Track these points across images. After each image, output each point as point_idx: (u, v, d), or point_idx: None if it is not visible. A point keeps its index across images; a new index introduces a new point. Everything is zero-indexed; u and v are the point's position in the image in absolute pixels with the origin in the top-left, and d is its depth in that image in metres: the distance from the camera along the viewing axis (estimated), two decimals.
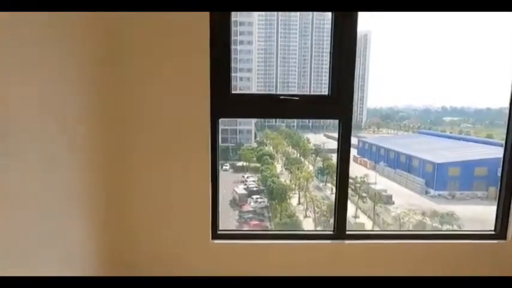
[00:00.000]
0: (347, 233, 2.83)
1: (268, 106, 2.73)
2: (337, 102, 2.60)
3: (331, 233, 2.87)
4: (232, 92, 2.70)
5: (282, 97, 2.67)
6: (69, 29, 2.14)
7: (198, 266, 2.62)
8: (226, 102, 2.64)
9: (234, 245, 2.81)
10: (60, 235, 2.14)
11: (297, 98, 2.67)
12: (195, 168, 2.65)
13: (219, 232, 2.84)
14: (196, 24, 2.43)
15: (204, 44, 2.48)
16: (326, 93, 2.75)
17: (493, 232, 2.91)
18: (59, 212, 2.13)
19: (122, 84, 2.55)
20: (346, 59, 2.54)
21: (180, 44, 2.49)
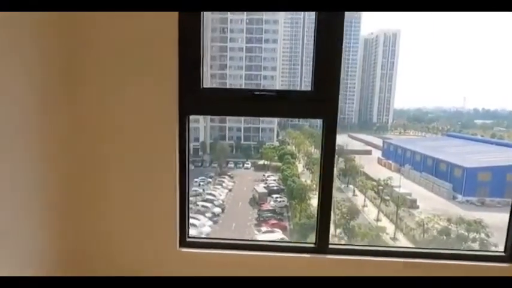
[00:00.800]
0: (330, 246, 2.49)
1: (242, 103, 2.45)
2: (320, 100, 2.33)
3: (313, 245, 2.54)
4: (204, 86, 2.46)
5: (256, 93, 2.43)
6: (27, 25, 1.98)
7: (163, 275, 2.38)
8: (196, 97, 2.40)
9: (203, 254, 2.54)
10: (15, 244, 2.01)
11: (272, 94, 2.44)
12: (161, 171, 2.42)
13: (188, 240, 2.58)
14: (163, 18, 2.26)
15: (172, 38, 2.29)
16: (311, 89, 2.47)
17: (503, 254, 2.49)
18: (16, 218, 2.01)
19: (83, 83, 2.35)
20: (331, 53, 2.27)
21: (146, 39, 2.30)
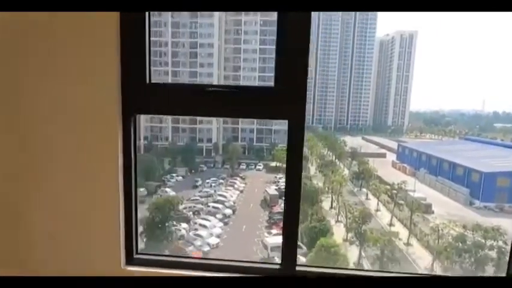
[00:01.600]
0: (298, 269, 2.19)
1: (193, 100, 2.24)
2: (284, 98, 2.12)
3: (278, 267, 2.26)
4: (152, 81, 2.22)
5: (210, 89, 2.16)
6: None
7: None
8: (142, 95, 2.19)
9: (152, 274, 2.35)
10: None
11: (226, 90, 2.19)
12: (101, 178, 2.20)
13: (135, 257, 2.38)
14: (103, 12, 2.04)
15: (113, 31, 2.11)
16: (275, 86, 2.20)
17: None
18: None
19: (16, 82, 2.13)
20: (296, 46, 2.04)
21: (84, 34, 2.11)
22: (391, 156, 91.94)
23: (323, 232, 28.60)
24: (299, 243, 34.98)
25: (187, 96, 2.24)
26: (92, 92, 2.13)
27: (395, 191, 53.02)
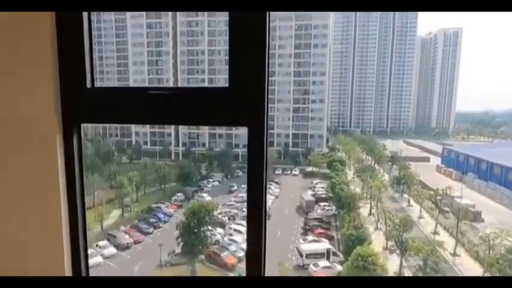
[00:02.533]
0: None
1: (137, 106, 1.88)
2: (243, 103, 1.76)
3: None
4: (94, 86, 1.90)
5: (154, 92, 1.84)
6: None
7: None
8: (84, 101, 1.88)
9: None
10: None
11: (172, 93, 1.86)
12: (41, 198, 1.90)
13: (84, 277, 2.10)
14: (37, 15, 1.78)
15: (48, 35, 1.80)
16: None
17: None
18: None
19: None
20: (251, 46, 1.71)
21: (16, 37, 1.81)
22: (436, 160, 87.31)
23: (360, 240, 27.36)
24: (335, 250, 33.92)
25: (131, 101, 1.86)
26: (27, 102, 1.83)
27: (439, 197, 50.19)
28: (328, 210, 44.61)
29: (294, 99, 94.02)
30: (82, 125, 1.92)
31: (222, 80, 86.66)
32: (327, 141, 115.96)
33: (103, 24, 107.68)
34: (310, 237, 35.33)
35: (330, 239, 36.03)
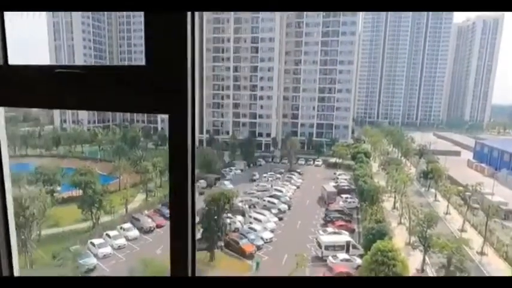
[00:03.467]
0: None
1: (45, 87, 1.57)
2: (163, 86, 1.46)
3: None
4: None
5: (60, 70, 1.53)
6: None
7: None
8: None
9: None
10: None
11: (82, 72, 1.54)
12: None
13: None
14: None
15: None
16: None
17: None
18: None
19: None
20: (169, 20, 1.41)
21: None
22: (467, 155, 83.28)
23: (381, 234, 26.64)
24: (355, 243, 33.37)
25: (38, 81, 1.57)
26: None
27: (469, 194, 47.74)
28: (350, 202, 43.86)
29: (320, 89, 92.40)
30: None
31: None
32: (353, 132, 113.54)
33: None
34: (330, 229, 34.93)
35: (351, 231, 35.50)
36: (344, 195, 45.92)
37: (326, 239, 31.84)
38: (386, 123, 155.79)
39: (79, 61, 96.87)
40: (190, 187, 1.46)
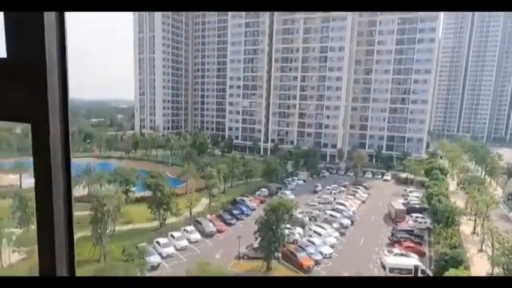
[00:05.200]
0: None
1: None
2: (25, 88, 1.18)
3: None
4: None
5: None
6: None
7: None
8: None
9: None
10: None
11: None
12: None
13: None
14: None
15: None
16: None
17: None
18: None
19: None
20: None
21: None
22: None
23: (455, 261, 23.70)
24: (424, 268, 30.27)
25: None
26: None
27: None
28: (421, 222, 40.21)
29: (392, 99, 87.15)
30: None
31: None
32: (427, 146, 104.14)
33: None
34: (396, 250, 32.31)
35: (420, 255, 32.41)
36: (414, 215, 42.28)
37: (391, 260, 29.51)
38: (468, 137, 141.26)
39: None
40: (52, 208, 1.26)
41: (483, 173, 69.89)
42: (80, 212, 39.98)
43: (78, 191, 47.74)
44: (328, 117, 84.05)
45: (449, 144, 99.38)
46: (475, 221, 39.53)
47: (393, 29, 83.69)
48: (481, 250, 33.83)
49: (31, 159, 1.34)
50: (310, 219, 40.48)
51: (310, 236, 35.31)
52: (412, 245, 33.48)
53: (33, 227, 33.22)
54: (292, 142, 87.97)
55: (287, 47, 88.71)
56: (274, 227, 28.95)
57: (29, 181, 51.69)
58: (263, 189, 52.58)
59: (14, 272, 26.65)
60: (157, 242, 32.17)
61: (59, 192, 1.36)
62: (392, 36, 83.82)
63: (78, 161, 71.83)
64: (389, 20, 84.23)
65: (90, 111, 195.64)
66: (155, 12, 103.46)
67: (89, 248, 29.49)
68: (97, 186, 44.74)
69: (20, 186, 46.55)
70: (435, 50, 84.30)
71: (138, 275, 25.60)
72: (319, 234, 35.09)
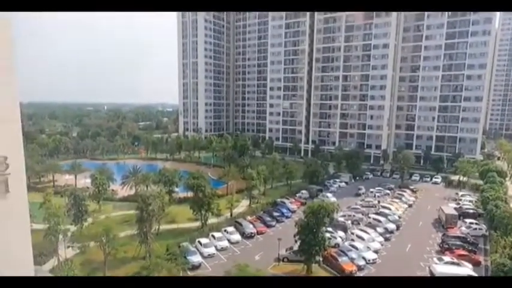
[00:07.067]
0: None
1: None
2: None
3: None
4: None
5: None
6: None
7: None
8: None
9: None
10: None
11: None
12: None
13: None
14: None
15: None
16: None
17: None
18: None
19: None
20: None
21: None
22: None
23: None
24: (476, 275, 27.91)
25: None
26: None
27: None
28: (475, 229, 37.23)
29: (441, 97, 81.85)
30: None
31: (357, 77, 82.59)
32: (482, 146, 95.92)
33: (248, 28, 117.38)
34: (447, 258, 30.16)
35: (475, 264, 29.96)
36: (468, 220, 39.28)
37: (441, 269, 27.62)
38: None
39: None
40: None
41: None
42: (127, 212, 42.13)
43: (127, 191, 50.45)
44: (371, 117, 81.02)
45: (508, 145, 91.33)
46: None
47: (443, 22, 78.74)
48: None
49: None
50: (352, 223, 39.14)
51: (352, 240, 34.10)
52: (465, 253, 31.07)
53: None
54: (334, 143, 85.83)
55: (328, 46, 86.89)
56: (314, 230, 28.33)
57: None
58: (303, 191, 51.78)
59: None
60: (199, 242, 32.87)
61: None
62: (442, 30, 78.91)
63: (126, 163, 75.80)
64: (438, 13, 79.30)
65: (137, 115, 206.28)
66: (198, 17, 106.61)
67: (135, 246, 30.92)
68: (143, 188, 46.81)
69: None
70: (490, 42, 77.94)
71: (181, 274, 26.26)
72: (362, 239, 33.76)
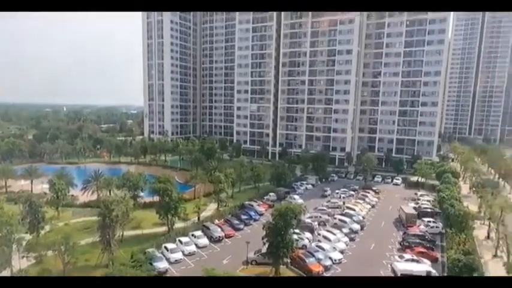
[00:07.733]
0: None
1: None
2: None
3: None
4: None
5: None
6: None
7: None
8: None
9: None
10: None
11: None
12: None
13: None
14: None
15: None
16: None
17: None
18: None
19: None
20: None
21: None
22: None
23: (469, 268, 22.91)
24: (437, 274, 29.46)
25: None
26: None
27: None
28: (433, 227, 39.33)
29: (401, 102, 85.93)
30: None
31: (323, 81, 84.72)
32: (438, 149, 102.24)
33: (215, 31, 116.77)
34: (408, 256, 31.58)
35: (433, 260, 31.60)
36: (426, 219, 41.41)
37: (402, 266, 28.86)
38: (480, 140, 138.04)
39: None
40: None
41: (497, 176, 68.38)
42: (88, 218, 40.22)
43: (88, 196, 48.17)
44: (336, 120, 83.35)
45: (461, 147, 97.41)
46: (489, 225, 38.53)
47: (402, 31, 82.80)
48: (495, 255, 32.89)
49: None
50: (319, 224, 39.93)
51: (319, 241, 34.77)
52: (423, 250, 32.68)
53: None
54: (300, 146, 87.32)
55: (294, 51, 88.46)
56: (282, 232, 28.56)
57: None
58: (271, 194, 52.14)
59: None
60: (165, 247, 32.03)
61: None
62: (401, 39, 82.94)
63: (88, 167, 72.53)
64: (397, 22, 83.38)
65: (100, 117, 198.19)
66: (163, 18, 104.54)
67: (97, 254, 29.57)
68: (105, 193, 44.94)
69: None
70: (445, 51, 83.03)
71: None
72: (329, 240, 34.53)
